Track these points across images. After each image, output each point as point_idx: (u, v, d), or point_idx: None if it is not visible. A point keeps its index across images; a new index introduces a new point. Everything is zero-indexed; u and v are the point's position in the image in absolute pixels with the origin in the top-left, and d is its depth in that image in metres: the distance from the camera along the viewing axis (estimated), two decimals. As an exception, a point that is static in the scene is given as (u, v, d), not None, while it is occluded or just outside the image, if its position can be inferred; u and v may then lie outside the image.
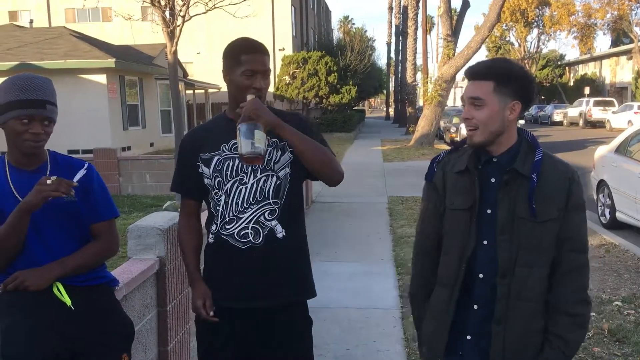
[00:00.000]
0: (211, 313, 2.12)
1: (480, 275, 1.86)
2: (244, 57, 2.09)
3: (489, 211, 1.85)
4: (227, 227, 2.15)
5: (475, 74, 1.87)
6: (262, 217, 2.12)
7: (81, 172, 2.07)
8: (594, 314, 4.70)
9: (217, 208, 2.16)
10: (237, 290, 2.16)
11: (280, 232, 2.14)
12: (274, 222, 2.13)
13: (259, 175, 2.13)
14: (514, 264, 1.81)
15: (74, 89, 16.09)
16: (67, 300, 1.99)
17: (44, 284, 1.98)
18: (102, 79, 17.07)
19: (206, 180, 2.17)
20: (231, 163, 2.14)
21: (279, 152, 2.15)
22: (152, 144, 20.03)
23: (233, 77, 2.11)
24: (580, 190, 1.86)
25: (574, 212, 1.85)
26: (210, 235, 2.22)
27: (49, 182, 1.88)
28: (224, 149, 2.16)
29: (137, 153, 17.18)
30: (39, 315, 1.91)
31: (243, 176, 2.13)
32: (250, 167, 2.13)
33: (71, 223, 2.10)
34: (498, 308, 1.83)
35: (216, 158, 2.16)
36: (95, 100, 16.76)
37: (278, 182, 2.14)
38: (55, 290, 2.00)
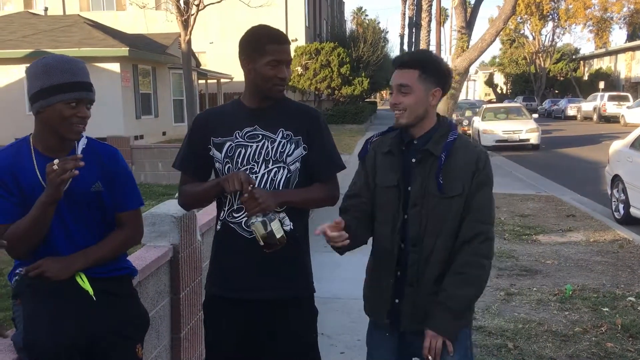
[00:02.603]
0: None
1: (402, 245, 2.08)
2: (270, 46, 2.08)
3: (409, 188, 2.06)
4: (235, 215, 2.15)
5: (403, 63, 2.07)
6: (275, 215, 2.10)
7: (83, 142, 2.02)
8: (607, 309, 4.67)
9: (226, 195, 2.15)
10: (241, 280, 2.16)
11: (288, 224, 2.14)
12: (282, 215, 2.13)
13: (270, 167, 2.12)
14: (423, 234, 2.04)
15: (88, 77, 16.14)
16: (90, 289, 1.97)
17: (65, 276, 1.96)
18: (115, 67, 17.13)
19: (217, 165, 2.17)
20: (243, 150, 2.13)
21: (293, 146, 2.15)
22: (164, 133, 20.09)
23: (257, 66, 2.10)
24: (487, 169, 2.07)
25: (479, 188, 2.05)
26: (219, 222, 2.22)
27: (54, 167, 1.82)
28: (237, 135, 2.15)
29: (150, 142, 17.24)
30: (61, 303, 1.90)
31: (254, 165, 2.12)
32: (262, 157, 2.13)
33: (94, 213, 2.07)
34: (410, 273, 2.07)
35: (228, 144, 2.15)
36: (109, 88, 16.80)
37: (289, 175, 2.15)
38: (78, 279, 1.99)
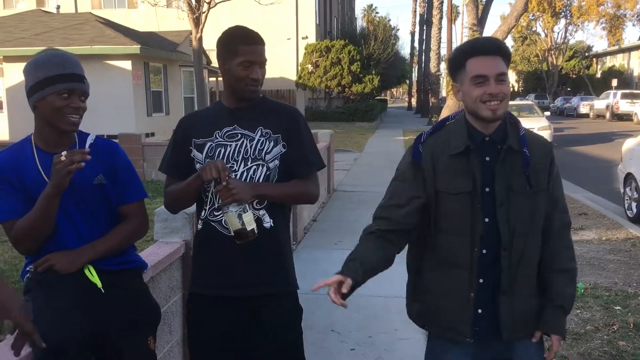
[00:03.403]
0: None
1: (484, 251, 1.92)
2: (242, 47, 2.10)
3: (487, 189, 1.91)
4: (216, 213, 2.16)
5: (500, 49, 1.91)
6: (250, 206, 2.11)
7: (91, 137, 2.06)
8: (619, 307, 4.65)
9: (207, 194, 2.18)
10: (223, 278, 2.17)
11: (267, 222, 2.16)
12: (262, 212, 2.15)
13: (249, 164, 2.14)
14: (513, 236, 1.90)
15: (100, 75, 16.23)
16: (98, 282, 2.00)
17: (73, 268, 1.99)
18: (127, 65, 17.21)
19: (198, 166, 2.18)
20: (223, 150, 2.16)
21: (272, 144, 2.16)
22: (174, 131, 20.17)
23: (230, 67, 2.13)
24: (555, 158, 2.00)
25: (557, 179, 1.98)
26: (200, 222, 2.23)
27: (62, 158, 1.86)
28: (217, 135, 2.18)
29: (161, 139, 17.32)
30: (70, 297, 1.92)
31: (233, 164, 2.14)
32: (241, 156, 2.15)
33: (100, 206, 2.10)
34: (503, 279, 1.91)
35: (209, 144, 2.18)
36: (120, 86, 16.90)
37: (268, 173, 2.16)
38: (86, 272, 2.02)
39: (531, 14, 49.56)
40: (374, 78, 29.52)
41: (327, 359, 3.86)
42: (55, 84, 1.96)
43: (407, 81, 62.26)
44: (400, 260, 6.23)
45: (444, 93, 31.91)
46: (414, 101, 59.11)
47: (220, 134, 2.17)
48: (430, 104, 34.30)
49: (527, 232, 1.92)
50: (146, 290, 2.25)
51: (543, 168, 1.93)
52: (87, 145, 2.03)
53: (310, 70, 28.81)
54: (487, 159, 1.91)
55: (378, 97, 38.20)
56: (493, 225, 1.90)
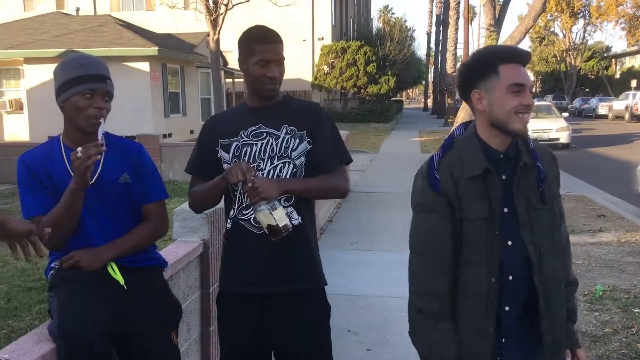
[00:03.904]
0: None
1: (510, 277, 1.77)
2: (258, 46, 2.13)
3: (505, 210, 1.77)
4: (244, 212, 2.18)
5: (527, 60, 1.77)
6: (279, 203, 2.12)
7: (101, 129, 2.07)
8: (638, 310, 4.60)
9: (235, 193, 2.20)
10: (252, 275, 2.19)
11: (295, 219, 2.17)
12: (289, 209, 2.16)
13: (276, 162, 2.16)
14: (541, 256, 1.77)
15: (118, 76, 16.33)
16: (121, 279, 2.05)
17: (97, 265, 2.05)
18: (145, 66, 17.37)
19: (225, 166, 2.21)
20: (249, 149, 2.18)
21: (297, 141, 2.18)
22: (192, 131, 20.30)
23: (248, 66, 2.16)
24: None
25: (559, 188, 1.88)
26: (229, 221, 2.26)
27: (78, 154, 1.91)
28: (242, 135, 2.20)
29: (178, 140, 17.46)
30: (93, 292, 1.97)
31: (260, 162, 2.16)
32: (267, 154, 2.16)
33: (124, 204, 2.16)
34: (541, 303, 1.77)
35: (235, 144, 2.20)
36: (138, 87, 17.06)
37: (294, 170, 2.17)
38: (109, 269, 2.07)
39: (549, 14, 49.12)
40: (390, 79, 29.47)
41: (344, 359, 3.87)
42: (79, 84, 2.02)
43: (423, 82, 62.01)
44: (417, 261, 6.02)
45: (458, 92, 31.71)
46: (429, 102, 58.87)
47: (245, 134, 2.19)
48: (447, 105, 34.13)
49: (551, 250, 1.80)
50: (167, 286, 2.29)
51: (553, 179, 1.85)
52: (99, 136, 2.03)
53: (326, 71, 28.84)
54: (504, 177, 1.78)
55: (394, 98, 38.11)
56: (517, 248, 1.76)
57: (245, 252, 2.20)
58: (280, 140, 2.17)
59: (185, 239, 3.02)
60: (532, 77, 60.97)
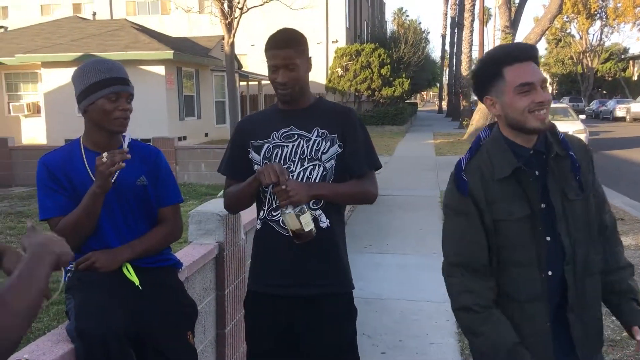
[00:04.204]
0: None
1: (550, 273, 1.76)
2: (269, 52, 2.15)
3: (543, 205, 1.76)
4: (274, 213, 2.19)
5: (529, 55, 1.75)
6: (307, 207, 2.12)
7: (127, 139, 2.14)
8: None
9: (265, 194, 2.21)
10: (280, 277, 2.20)
11: (324, 222, 2.17)
12: (318, 212, 2.16)
13: (306, 165, 2.16)
14: (574, 248, 1.76)
15: (134, 80, 16.12)
16: (136, 280, 2.08)
17: (113, 266, 2.08)
18: (160, 70, 17.51)
19: (256, 167, 2.22)
20: (280, 151, 2.18)
21: (328, 144, 2.18)
22: (206, 134, 20.43)
23: (268, 72, 2.20)
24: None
25: (596, 176, 1.86)
26: (258, 221, 2.27)
27: (104, 159, 1.95)
28: (273, 136, 2.20)
29: (193, 143, 17.57)
30: (109, 292, 2.00)
31: (290, 164, 2.17)
32: (298, 156, 2.17)
33: (140, 206, 2.19)
34: (570, 296, 1.76)
35: (266, 146, 2.21)
36: (154, 90, 17.21)
37: (324, 173, 2.17)
38: (124, 270, 2.09)
39: (565, 16, 48.72)
40: (404, 81, 29.43)
41: (358, 362, 3.86)
42: (104, 88, 2.06)
43: (438, 84, 61.81)
44: (431, 264, 6.19)
45: (475, 96, 31.56)
46: (444, 104, 58.64)
47: (277, 135, 2.20)
48: (462, 107, 33.97)
49: (587, 241, 1.78)
50: (182, 287, 2.31)
51: (587, 168, 1.82)
52: (125, 145, 2.11)
53: (340, 74, 28.86)
54: (537, 173, 1.76)
55: (408, 101, 38.02)
56: (555, 242, 1.75)
57: (273, 254, 2.21)
58: (311, 142, 2.17)
59: (200, 241, 3.04)
60: (548, 80, 60.46)
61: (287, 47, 2.14)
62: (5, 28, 23.57)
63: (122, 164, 1.96)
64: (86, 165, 2.12)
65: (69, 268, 2.13)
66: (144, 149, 2.25)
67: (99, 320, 1.88)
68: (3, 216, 8.77)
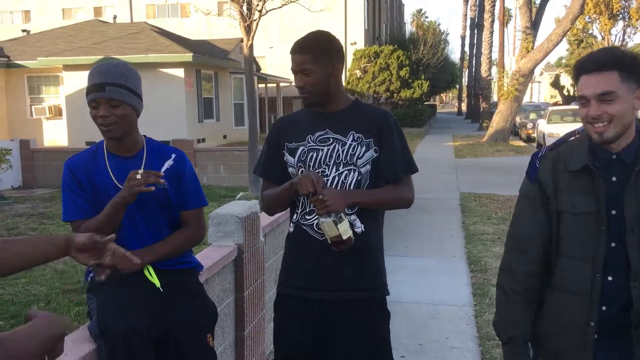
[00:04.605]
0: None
1: (610, 278, 1.77)
2: (291, 56, 2.17)
3: (613, 212, 1.76)
4: (307, 217, 2.17)
5: (602, 64, 1.74)
6: (344, 213, 2.10)
7: (168, 163, 2.16)
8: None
9: (299, 198, 2.19)
10: (311, 280, 2.18)
11: (359, 227, 2.15)
12: (353, 217, 2.14)
13: (341, 169, 2.14)
14: None
15: (154, 82, 16.71)
16: (157, 282, 2.08)
17: (134, 268, 2.05)
18: (179, 72, 17.65)
19: (290, 169, 2.21)
20: (315, 154, 2.16)
21: (363, 149, 2.15)
22: (225, 136, 20.53)
23: None
24: None
25: None
26: (291, 224, 2.26)
27: (138, 176, 1.96)
28: (309, 140, 2.19)
29: (211, 145, 17.67)
30: (131, 293, 2.01)
31: (325, 168, 2.15)
32: (333, 160, 2.15)
33: (162, 210, 2.19)
34: (633, 313, 1.75)
35: (301, 148, 2.19)
36: (173, 93, 17.35)
37: (359, 178, 2.15)
38: (145, 272, 2.09)
39: (587, 16, 48.12)
40: (423, 83, 29.28)
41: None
42: (87, 95, 2.11)
43: (457, 86, 61.42)
44: (451, 268, 6.13)
45: (495, 98, 31.30)
46: (464, 106, 58.28)
47: (312, 138, 2.19)
48: (481, 109, 33.71)
49: None
50: (202, 289, 2.31)
51: None
52: (163, 169, 2.11)
53: (358, 76, 28.81)
54: (614, 179, 1.77)
55: (427, 103, 37.82)
56: (622, 251, 1.76)
57: (305, 257, 2.20)
58: (346, 147, 2.15)
59: (220, 243, 3.04)
60: (569, 81, 59.91)
61: (302, 52, 2.13)
62: (28, 32, 23.92)
63: (152, 188, 1.97)
64: (109, 169, 2.13)
65: (92, 268, 2.14)
66: (168, 152, 2.24)
67: (122, 319, 1.89)
68: (25, 217, 8.89)
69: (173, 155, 2.20)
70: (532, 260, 1.88)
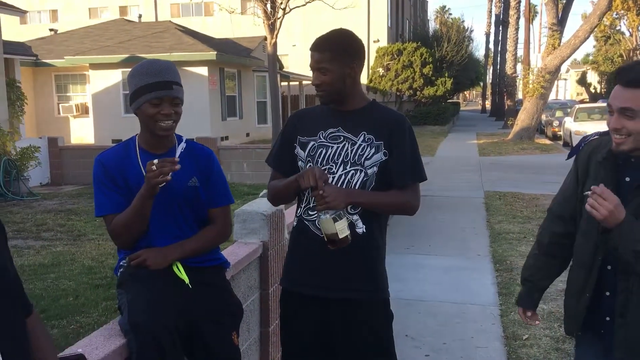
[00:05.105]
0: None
1: (609, 267, 1.89)
2: (310, 53, 2.16)
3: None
4: (310, 213, 2.18)
5: (629, 81, 1.78)
6: (345, 212, 2.10)
7: (181, 146, 2.16)
8: None
9: (304, 192, 2.20)
10: (309, 276, 2.19)
11: (360, 227, 2.15)
12: (355, 217, 2.14)
13: (348, 169, 2.14)
14: (635, 261, 1.77)
15: (178, 81, 16.83)
16: (185, 278, 2.10)
17: (163, 264, 2.10)
18: (203, 71, 17.78)
19: (299, 163, 2.22)
20: (324, 151, 2.17)
21: (372, 150, 2.15)
22: (248, 134, 20.63)
23: None
24: None
25: None
26: (295, 218, 2.27)
27: (153, 167, 1.97)
28: (320, 135, 2.20)
29: (234, 143, 17.77)
30: (159, 290, 2.03)
31: (332, 166, 2.15)
32: (341, 159, 2.15)
33: (191, 208, 2.20)
34: (619, 301, 1.86)
35: (312, 143, 2.20)
36: (197, 91, 17.47)
37: (365, 179, 2.15)
38: (174, 269, 2.12)
39: (615, 13, 47.21)
40: (447, 81, 29.06)
41: (401, 364, 3.83)
42: (146, 93, 2.08)
43: (481, 83, 60.82)
44: (475, 266, 6.08)
45: (520, 95, 30.92)
46: (488, 104, 57.68)
47: (324, 135, 2.20)
48: (506, 107, 33.33)
49: None
50: (229, 287, 2.32)
51: None
52: (177, 154, 2.12)
53: (381, 74, 28.71)
54: (627, 179, 1.86)
55: (450, 100, 37.54)
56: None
57: (306, 253, 2.21)
58: (356, 147, 2.15)
59: (245, 240, 3.06)
60: (596, 77, 58.90)
61: (321, 50, 2.13)
62: (55, 31, 24.32)
63: (169, 177, 1.97)
64: (140, 165, 2.15)
65: (121, 263, 2.18)
66: (197, 150, 2.27)
67: (152, 315, 1.91)
68: (54, 213, 9.05)
69: (184, 139, 2.21)
70: (556, 220, 2.13)
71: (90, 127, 18.63)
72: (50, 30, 24.91)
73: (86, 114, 19.57)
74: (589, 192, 1.80)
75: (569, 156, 2.08)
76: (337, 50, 2.13)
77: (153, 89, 2.08)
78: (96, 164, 2.18)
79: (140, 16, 26.72)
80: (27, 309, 1.46)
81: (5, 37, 12.02)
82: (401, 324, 4.31)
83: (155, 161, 1.98)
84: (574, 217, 2.05)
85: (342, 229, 2.00)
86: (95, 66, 18.15)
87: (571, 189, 2.07)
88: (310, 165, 2.18)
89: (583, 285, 1.97)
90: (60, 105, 19.86)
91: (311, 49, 2.16)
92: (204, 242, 2.22)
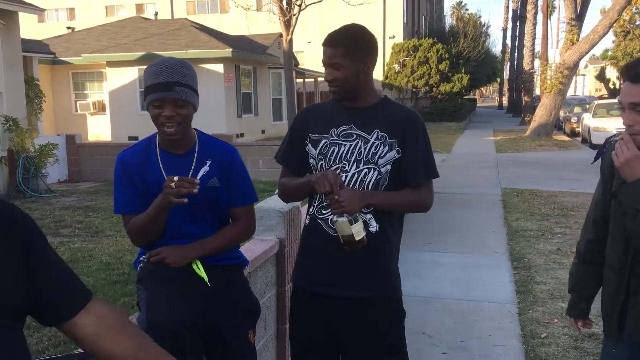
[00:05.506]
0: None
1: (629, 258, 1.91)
2: (323, 48, 2.14)
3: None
4: (323, 211, 2.16)
5: (636, 76, 1.78)
6: (360, 213, 2.07)
7: (204, 169, 2.11)
8: None
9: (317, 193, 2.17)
10: (321, 275, 2.17)
11: (373, 226, 2.12)
12: (368, 216, 2.11)
13: (361, 167, 2.12)
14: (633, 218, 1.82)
15: (194, 78, 16.90)
16: (205, 276, 2.09)
17: (182, 263, 2.09)
18: (219, 68, 17.83)
19: (311, 161, 2.20)
20: (336, 149, 2.14)
21: (386, 148, 2.12)
22: (263, 131, 20.67)
23: None
24: None
25: None
26: (307, 217, 2.25)
27: (172, 184, 1.93)
28: (332, 133, 2.16)
29: (250, 139, 17.81)
30: (178, 287, 2.03)
31: (345, 164, 2.13)
32: (354, 157, 2.13)
33: (211, 207, 2.17)
34: (636, 282, 1.90)
35: (323, 141, 2.17)
36: (213, 88, 17.53)
37: (379, 177, 2.12)
38: (194, 267, 2.11)
39: (634, 7, 46.52)
40: (463, 77, 28.84)
41: (418, 362, 3.80)
42: (149, 94, 2.05)
43: (498, 79, 60.29)
44: (492, 264, 6.02)
45: (537, 91, 30.61)
46: (504, 100, 57.19)
47: (336, 132, 2.16)
48: (523, 103, 33.02)
49: None
50: (247, 285, 2.31)
51: None
52: (199, 175, 2.06)
53: (397, 70, 28.57)
54: None
55: (467, 97, 37.25)
56: None
57: (318, 252, 2.19)
58: (369, 145, 2.12)
59: (261, 237, 3.05)
60: (615, 74, 58.10)
61: (334, 45, 2.10)
62: (73, 29, 24.55)
63: (185, 200, 1.94)
64: (161, 167, 2.13)
65: (141, 258, 2.18)
66: (219, 147, 2.21)
67: (171, 313, 1.91)
68: (72, 210, 9.14)
69: (208, 162, 2.13)
70: (590, 226, 2.14)
71: (107, 124, 18.79)
72: (68, 28, 25.17)
73: (103, 111, 19.74)
74: (618, 138, 1.84)
75: (595, 159, 2.10)
76: (350, 45, 2.09)
77: (154, 90, 2.04)
78: (117, 162, 2.17)
79: (156, 14, 26.88)
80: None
81: (23, 35, 12.15)
82: (418, 322, 4.28)
83: (176, 178, 1.94)
84: (606, 221, 2.04)
85: (358, 231, 1.99)
86: (112, 64, 18.29)
87: (600, 193, 2.07)
88: (322, 164, 2.16)
89: (616, 289, 1.97)
90: (77, 102, 20.05)
91: (324, 44, 2.13)
92: (224, 240, 2.20)
